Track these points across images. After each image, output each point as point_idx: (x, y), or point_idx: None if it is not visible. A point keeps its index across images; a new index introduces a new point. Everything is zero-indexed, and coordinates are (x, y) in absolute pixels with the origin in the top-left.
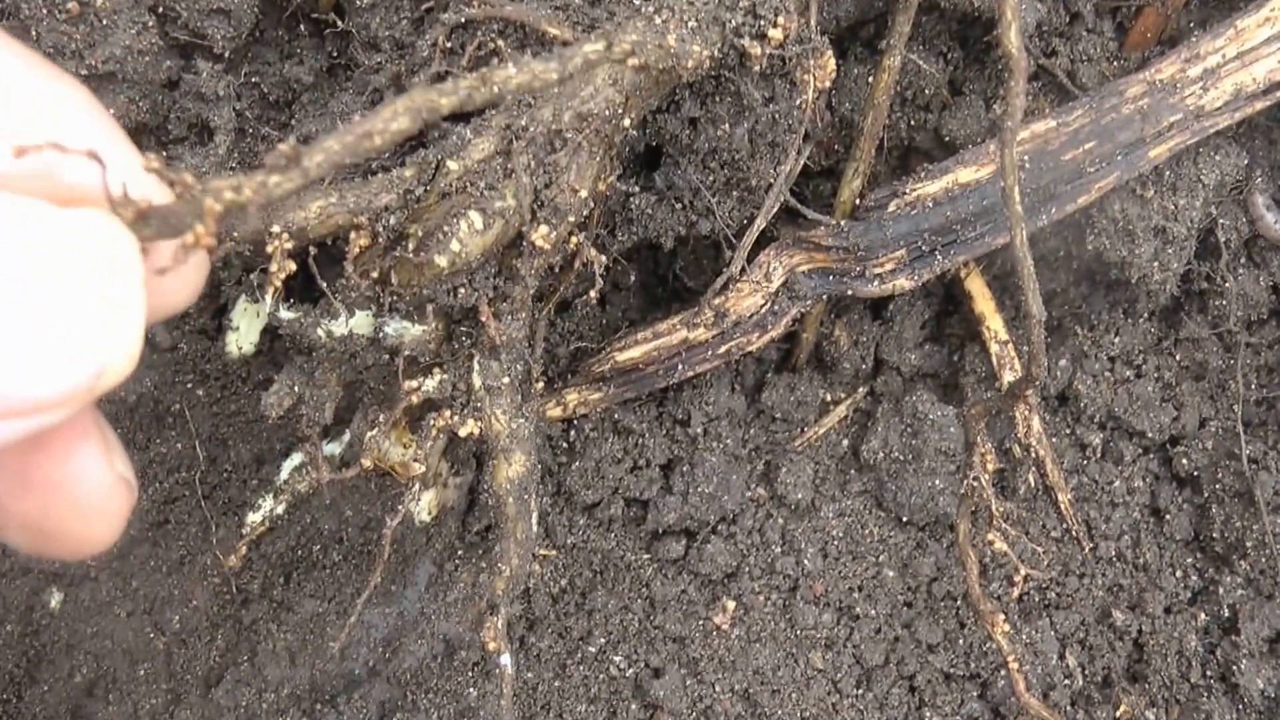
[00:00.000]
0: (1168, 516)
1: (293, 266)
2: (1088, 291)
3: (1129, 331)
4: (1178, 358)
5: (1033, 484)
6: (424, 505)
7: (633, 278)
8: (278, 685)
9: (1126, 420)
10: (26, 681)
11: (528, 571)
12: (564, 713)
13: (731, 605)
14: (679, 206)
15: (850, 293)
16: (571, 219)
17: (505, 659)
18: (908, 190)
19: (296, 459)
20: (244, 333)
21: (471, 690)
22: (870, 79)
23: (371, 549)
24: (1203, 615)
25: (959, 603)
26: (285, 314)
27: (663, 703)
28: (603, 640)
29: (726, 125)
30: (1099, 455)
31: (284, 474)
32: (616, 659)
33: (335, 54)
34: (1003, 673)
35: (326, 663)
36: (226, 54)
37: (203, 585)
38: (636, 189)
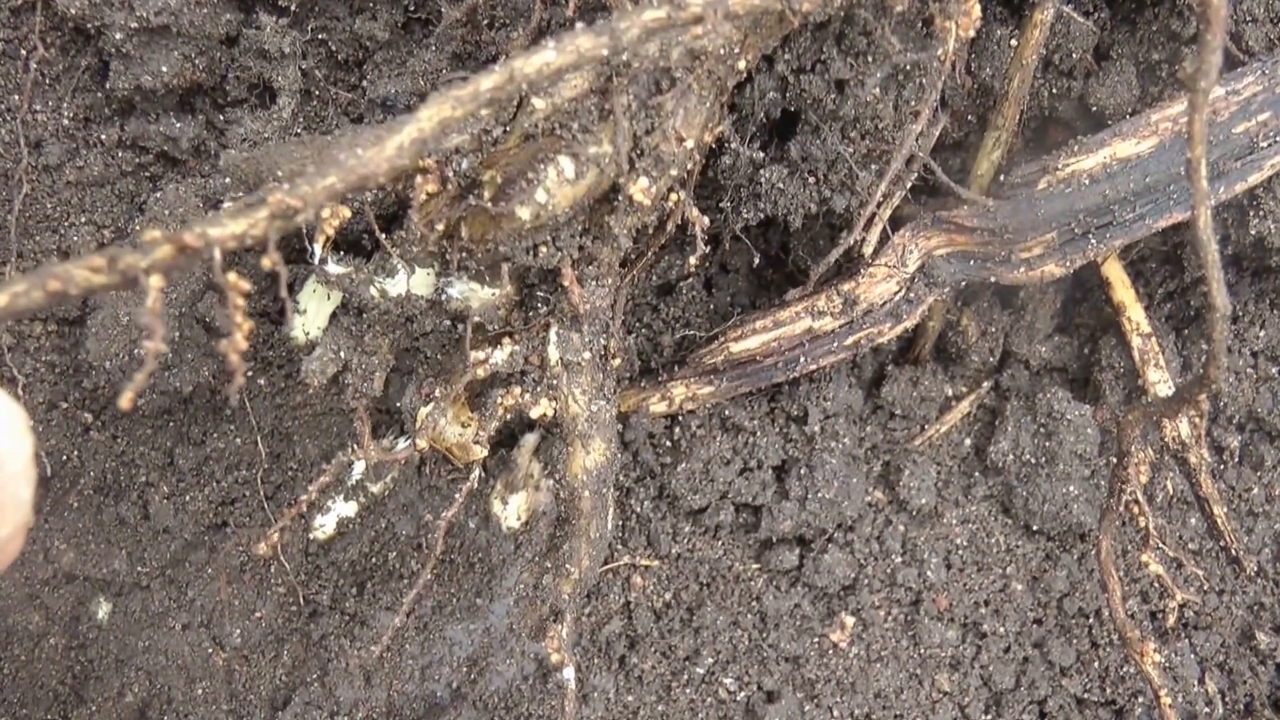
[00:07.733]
0: None
1: (347, 213)
2: (1233, 279)
3: (1274, 324)
4: None
5: (1170, 491)
6: (513, 510)
7: (757, 259)
8: (351, 708)
9: (1269, 421)
10: (73, 701)
11: (596, 575)
12: None
13: (850, 621)
14: (812, 181)
15: (994, 279)
16: (674, 172)
17: (568, 673)
18: (1060, 165)
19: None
20: (312, 317)
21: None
22: (1013, 41)
23: (455, 556)
24: None
25: (1091, 620)
26: (334, 268)
27: None
28: (711, 660)
29: (877, 89)
30: (1236, 460)
31: (355, 473)
32: (726, 680)
33: (413, 7)
34: (1140, 699)
35: (405, 683)
36: (292, 7)
37: (266, 595)
38: (766, 160)
